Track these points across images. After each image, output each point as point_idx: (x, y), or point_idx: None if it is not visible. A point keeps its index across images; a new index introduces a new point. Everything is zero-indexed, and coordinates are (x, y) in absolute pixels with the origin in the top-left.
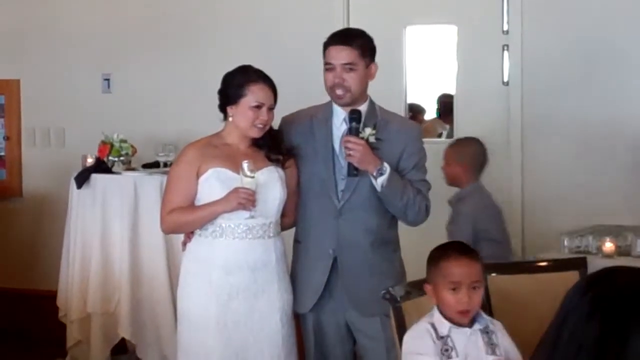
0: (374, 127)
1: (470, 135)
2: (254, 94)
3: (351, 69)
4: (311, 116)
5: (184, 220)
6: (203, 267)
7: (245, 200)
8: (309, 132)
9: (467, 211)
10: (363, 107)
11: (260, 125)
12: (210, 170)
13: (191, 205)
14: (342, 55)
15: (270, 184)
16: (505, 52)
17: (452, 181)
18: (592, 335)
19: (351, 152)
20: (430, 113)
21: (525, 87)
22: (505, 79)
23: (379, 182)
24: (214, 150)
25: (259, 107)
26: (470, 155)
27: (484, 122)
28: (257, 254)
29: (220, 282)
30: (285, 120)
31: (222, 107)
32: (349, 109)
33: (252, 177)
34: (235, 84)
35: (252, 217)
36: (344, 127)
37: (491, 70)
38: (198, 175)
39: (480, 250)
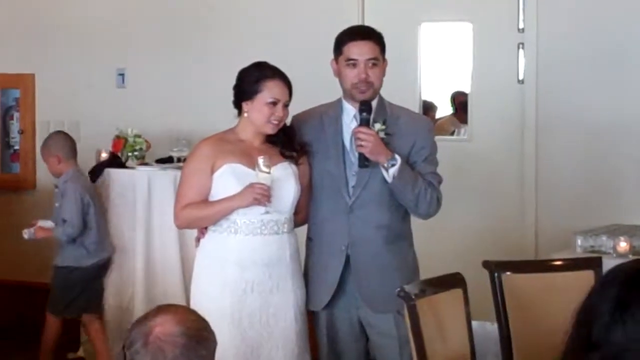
0: (384, 123)
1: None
2: (269, 90)
3: (374, 64)
4: (322, 114)
5: (199, 215)
6: (217, 263)
7: (261, 195)
8: (320, 129)
9: (75, 187)
10: (373, 103)
11: (275, 122)
12: (225, 166)
13: (206, 201)
14: (367, 50)
15: (284, 179)
16: (521, 50)
17: (54, 173)
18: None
19: (362, 143)
20: (444, 110)
21: (540, 85)
22: (521, 77)
23: (390, 173)
24: (228, 145)
25: (274, 103)
26: (59, 146)
27: (499, 120)
28: (272, 249)
29: (234, 278)
30: (297, 118)
31: (237, 103)
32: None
33: (268, 173)
34: (251, 80)
35: (267, 212)
36: (354, 124)
37: (506, 68)
38: (212, 171)
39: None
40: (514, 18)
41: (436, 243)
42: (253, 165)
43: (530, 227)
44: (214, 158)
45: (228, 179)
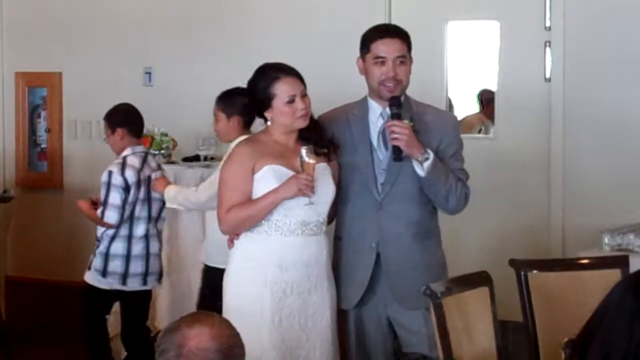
0: (411, 120)
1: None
2: (282, 91)
3: (402, 62)
4: (347, 113)
5: (245, 214)
6: (256, 264)
7: (305, 186)
8: (346, 128)
9: None
10: None
11: (301, 114)
12: (265, 168)
13: (249, 200)
14: (396, 48)
15: (323, 180)
16: (548, 49)
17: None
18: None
19: (398, 136)
20: (470, 109)
21: (567, 83)
22: (547, 76)
23: (425, 166)
24: (265, 147)
25: (292, 100)
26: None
27: (525, 118)
28: (311, 250)
29: (275, 279)
30: (322, 118)
31: (260, 115)
32: (385, 103)
33: (312, 162)
34: (261, 89)
35: (311, 203)
36: (380, 122)
37: (533, 67)
38: (253, 173)
39: None
40: (541, 16)
41: (463, 241)
42: (291, 166)
43: (557, 226)
44: (253, 160)
45: (269, 181)
